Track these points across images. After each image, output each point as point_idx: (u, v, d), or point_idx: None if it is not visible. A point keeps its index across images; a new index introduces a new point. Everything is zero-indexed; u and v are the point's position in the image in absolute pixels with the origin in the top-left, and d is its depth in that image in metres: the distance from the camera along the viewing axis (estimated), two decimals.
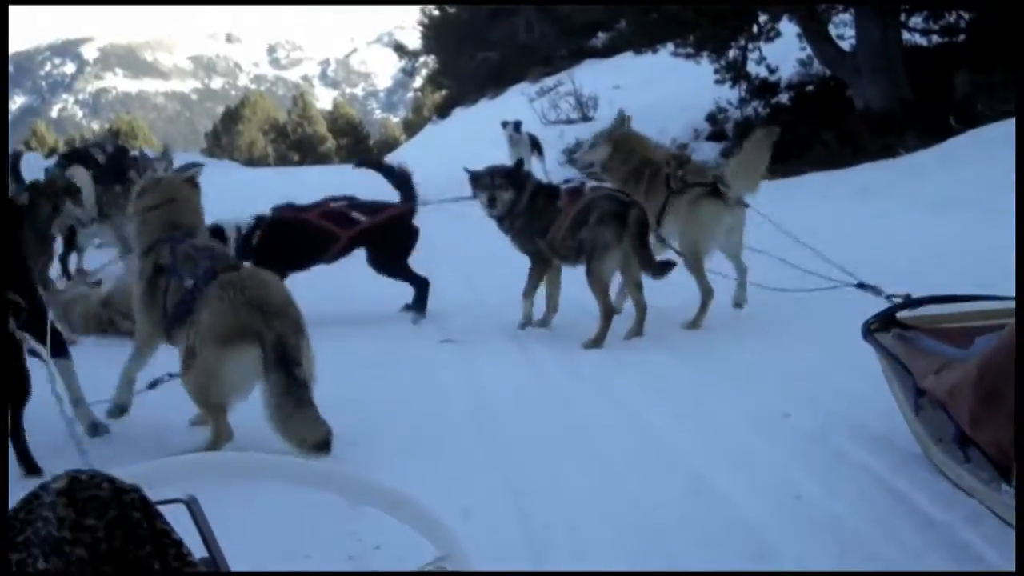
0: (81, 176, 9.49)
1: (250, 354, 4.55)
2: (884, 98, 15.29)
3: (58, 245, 9.04)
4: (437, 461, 4.37)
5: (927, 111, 14.27)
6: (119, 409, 5.11)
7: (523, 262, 7.59)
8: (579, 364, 5.95)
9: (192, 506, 1.55)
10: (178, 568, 1.25)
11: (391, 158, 23.60)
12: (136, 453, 4.55)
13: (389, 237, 7.64)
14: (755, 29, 17.69)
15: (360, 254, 7.66)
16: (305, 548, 3.46)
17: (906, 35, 16.85)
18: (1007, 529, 3.23)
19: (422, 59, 42.27)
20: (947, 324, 4.27)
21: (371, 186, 8.41)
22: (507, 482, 4.10)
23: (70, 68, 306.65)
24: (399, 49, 42.90)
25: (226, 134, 58.24)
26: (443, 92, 42.66)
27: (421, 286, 7.64)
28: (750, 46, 18.29)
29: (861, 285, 5.65)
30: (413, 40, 42.26)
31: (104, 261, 9.28)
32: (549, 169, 16.27)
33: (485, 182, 6.85)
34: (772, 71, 19.06)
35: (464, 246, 8.02)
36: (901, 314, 4.37)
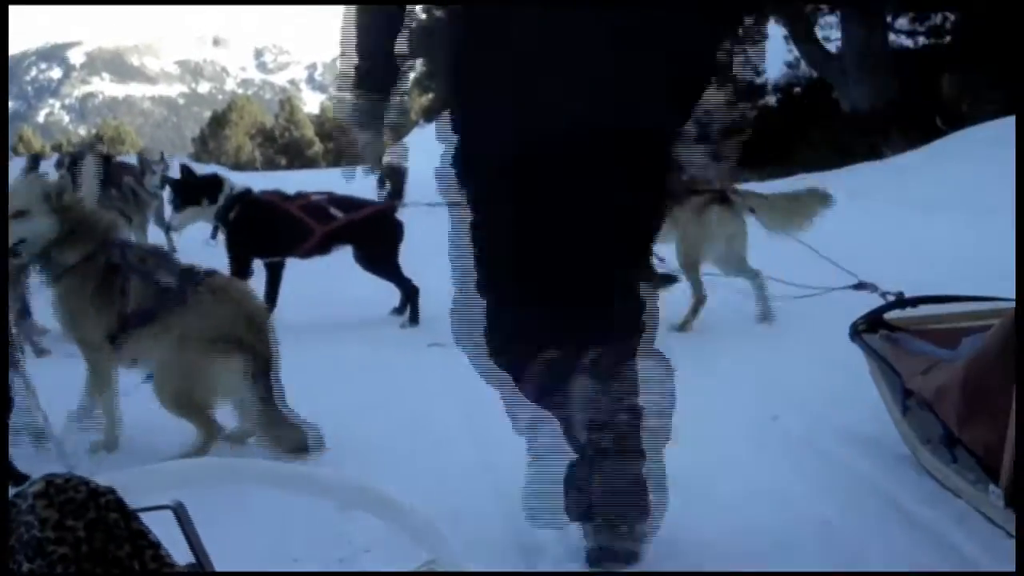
0: (88, 171, 9.41)
1: (240, 363, 4.57)
2: (871, 99, 15.35)
3: None
4: (426, 464, 4.36)
5: (913, 112, 14.33)
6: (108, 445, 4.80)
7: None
8: None
9: (179, 512, 1.55)
10: (156, 569, 1.27)
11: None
12: (119, 458, 4.55)
13: (371, 235, 7.59)
14: (741, 31, 17.71)
15: (346, 257, 7.63)
16: (295, 552, 3.46)
17: (892, 37, 16.91)
18: (994, 529, 3.25)
19: (408, 63, 42.25)
20: (934, 325, 4.28)
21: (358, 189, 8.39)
22: (497, 484, 4.09)
23: (56, 73, 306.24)
24: None
25: (213, 139, 58.09)
26: (430, 96, 42.61)
27: (410, 293, 7.57)
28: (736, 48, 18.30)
29: (860, 285, 5.63)
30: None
31: None
32: None
33: None
34: (759, 73, 19.10)
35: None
36: (888, 315, 4.38)
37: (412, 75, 42.37)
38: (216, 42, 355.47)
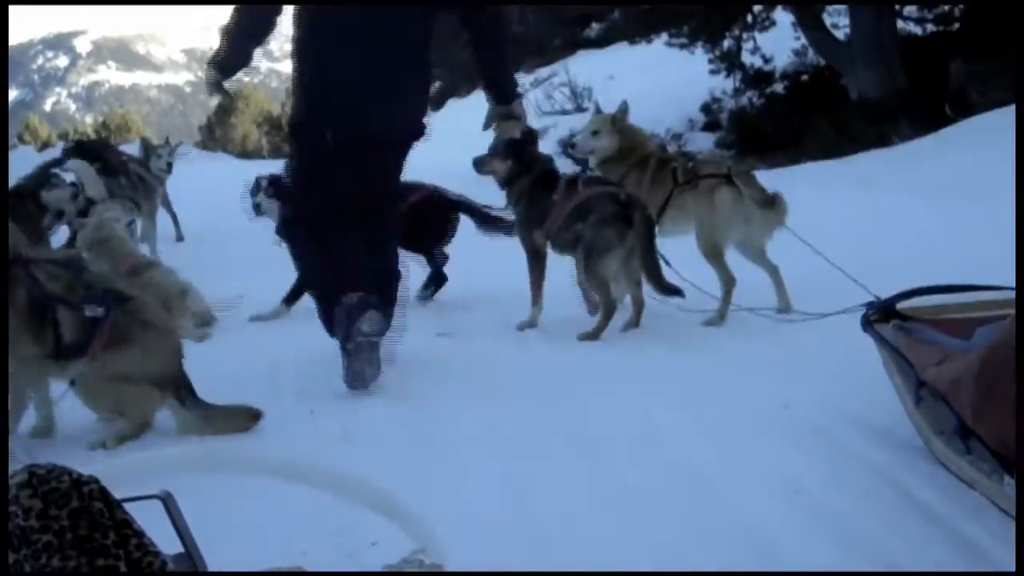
0: (83, 170, 9.35)
1: (167, 397, 4.71)
2: (879, 87, 15.28)
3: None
4: (433, 456, 4.34)
5: (922, 100, 14.26)
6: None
7: (521, 255, 7.55)
8: (577, 357, 5.91)
9: (167, 502, 1.54)
10: (139, 558, 1.28)
11: None
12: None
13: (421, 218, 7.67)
14: (749, 18, 17.66)
15: None
16: (299, 544, 3.43)
17: (900, 24, 16.83)
18: (1009, 522, 3.21)
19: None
20: (947, 314, 4.24)
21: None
22: (505, 476, 4.07)
23: (63, 61, 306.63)
24: None
25: (219, 127, 57.95)
26: (436, 84, 42.56)
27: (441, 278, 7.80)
28: (744, 36, 18.25)
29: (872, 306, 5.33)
30: None
31: None
32: None
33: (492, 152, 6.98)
34: (767, 61, 19.04)
35: (461, 238, 7.95)
36: (901, 304, 4.34)
37: None
38: None
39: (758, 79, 19.06)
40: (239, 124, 55.91)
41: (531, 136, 7.07)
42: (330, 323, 5.54)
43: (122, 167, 10.23)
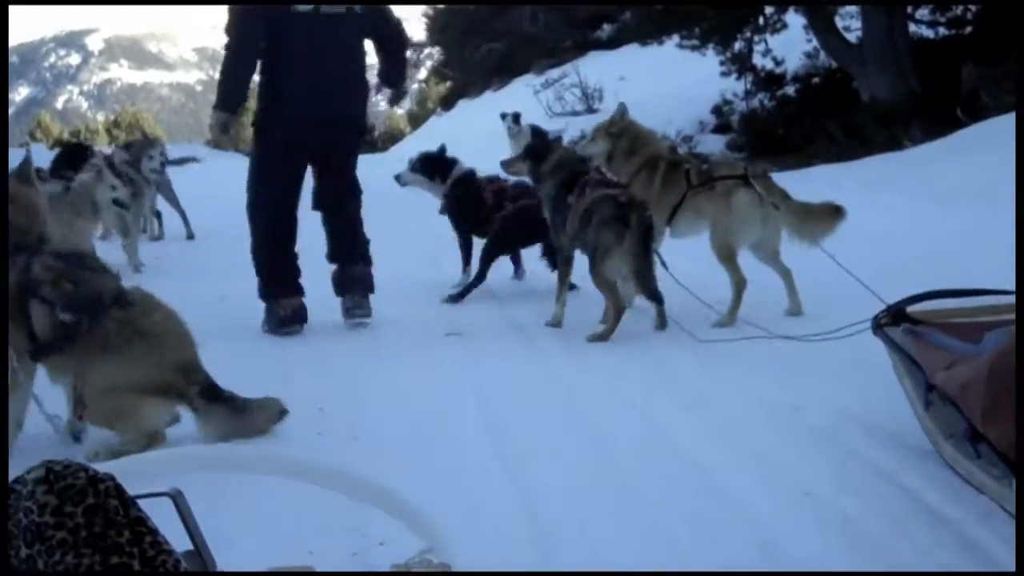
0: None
1: (170, 409, 4.57)
2: (890, 90, 15.24)
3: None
4: (442, 456, 4.34)
5: (933, 103, 14.22)
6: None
7: (531, 256, 7.57)
8: (587, 358, 5.90)
9: (177, 500, 1.55)
10: (153, 556, 1.27)
11: (396, 151, 23.50)
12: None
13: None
14: (761, 21, 17.65)
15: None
16: (308, 543, 3.43)
17: (913, 27, 16.79)
18: None
19: (427, 50, 42.18)
20: (957, 318, 4.23)
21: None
22: (514, 477, 4.07)
23: (75, 59, 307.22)
24: None
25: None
26: (448, 84, 42.54)
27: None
28: (756, 38, 18.24)
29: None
30: (418, 31, 42.16)
31: None
32: None
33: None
34: (778, 63, 19.01)
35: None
36: (911, 308, 4.32)
37: (429, 63, 42.45)
38: None
39: (769, 81, 19.04)
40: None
41: (540, 135, 7.26)
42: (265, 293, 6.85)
43: (115, 168, 10.17)
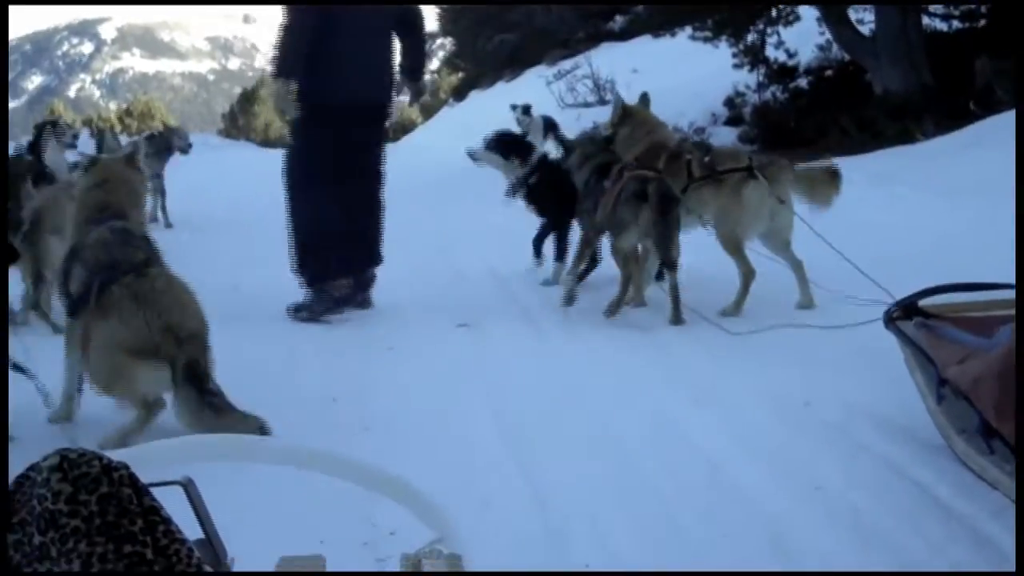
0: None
1: (160, 372, 4.51)
2: (903, 83, 15.17)
3: None
4: (453, 449, 4.34)
5: (947, 97, 14.16)
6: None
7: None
8: (598, 351, 5.89)
9: (188, 488, 1.55)
10: (166, 545, 1.27)
11: (407, 141, 23.49)
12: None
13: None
14: (774, 13, 17.58)
15: None
16: (320, 533, 3.44)
17: (926, 20, 16.71)
18: None
19: (439, 41, 42.12)
20: (970, 312, 4.22)
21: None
22: (524, 471, 4.07)
23: (88, 48, 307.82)
24: None
25: (243, 115, 58.00)
26: (460, 74, 42.47)
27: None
28: (769, 30, 18.16)
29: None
30: (430, 22, 42.07)
31: None
32: None
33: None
34: (791, 55, 18.92)
35: (484, 228, 7.98)
36: (923, 302, 4.31)
37: (441, 54, 42.41)
38: (246, 19, 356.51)
39: (782, 74, 18.95)
40: (261, 112, 55.97)
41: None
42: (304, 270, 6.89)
43: None
